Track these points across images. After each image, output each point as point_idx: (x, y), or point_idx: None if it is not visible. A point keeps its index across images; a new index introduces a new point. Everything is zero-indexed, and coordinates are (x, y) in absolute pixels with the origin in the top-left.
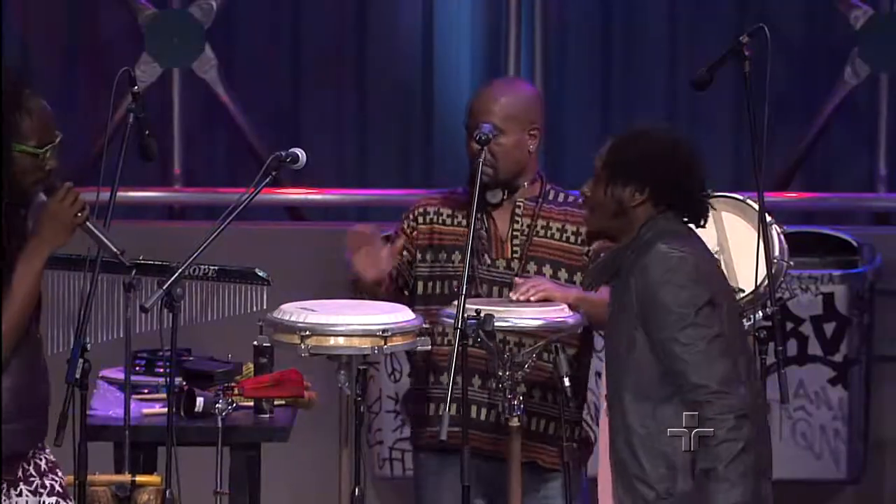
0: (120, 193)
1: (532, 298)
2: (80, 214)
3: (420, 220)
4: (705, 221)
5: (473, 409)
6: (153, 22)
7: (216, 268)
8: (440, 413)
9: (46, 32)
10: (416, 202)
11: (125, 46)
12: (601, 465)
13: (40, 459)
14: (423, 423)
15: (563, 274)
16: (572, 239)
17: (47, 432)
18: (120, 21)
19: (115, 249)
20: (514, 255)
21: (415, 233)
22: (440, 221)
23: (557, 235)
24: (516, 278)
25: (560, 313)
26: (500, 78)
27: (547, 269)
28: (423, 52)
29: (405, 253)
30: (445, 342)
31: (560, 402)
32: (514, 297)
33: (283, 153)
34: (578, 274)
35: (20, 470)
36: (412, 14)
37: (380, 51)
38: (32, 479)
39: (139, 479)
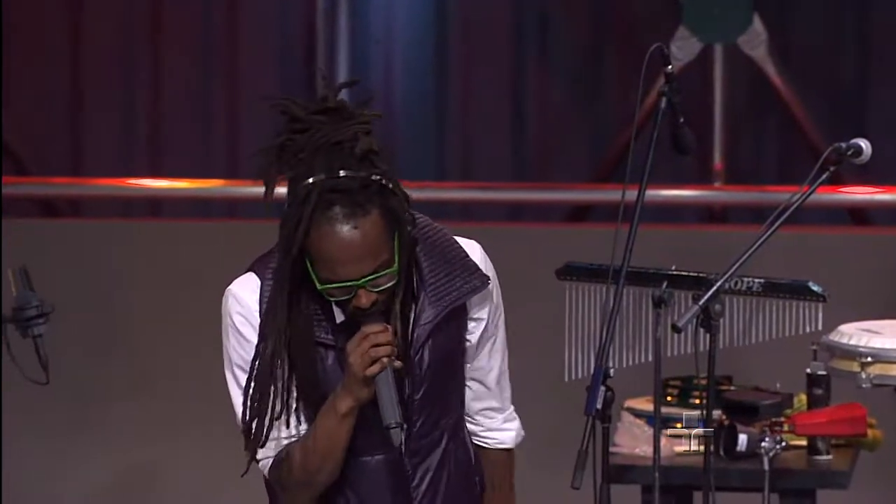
0: (649, 192)
1: None
2: (372, 367)
3: None
4: None
5: None
6: None
7: (762, 280)
8: None
9: (566, 5)
10: None
11: (659, 19)
12: None
13: None
14: None
15: None
16: None
17: None
18: None
19: (387, 421)
20: None
21: None
22: None
23: None
24: None
25: None
26: None
27: None
28: None
29: None
30: None
31: None
32: None
33: (844, 144)
34: None
35: None
36: None
37: None
38: None
39: None
